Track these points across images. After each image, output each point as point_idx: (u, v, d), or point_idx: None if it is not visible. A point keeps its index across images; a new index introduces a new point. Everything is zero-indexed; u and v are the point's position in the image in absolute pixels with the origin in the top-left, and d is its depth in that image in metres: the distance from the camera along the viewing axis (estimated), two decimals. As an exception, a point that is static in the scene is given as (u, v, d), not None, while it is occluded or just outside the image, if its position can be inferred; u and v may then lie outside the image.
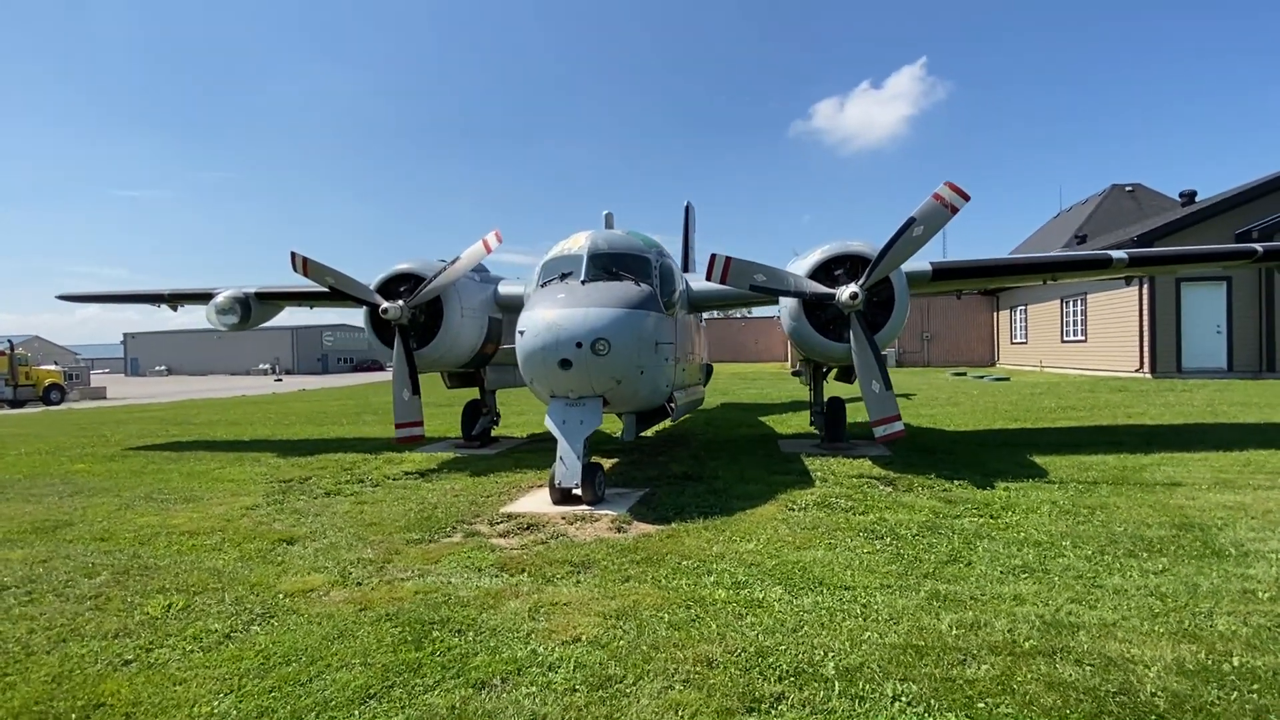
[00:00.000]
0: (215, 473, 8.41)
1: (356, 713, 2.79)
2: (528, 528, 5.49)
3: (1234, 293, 19.08)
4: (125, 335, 72.48)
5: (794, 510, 5.83)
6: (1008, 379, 21.67)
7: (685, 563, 4.51)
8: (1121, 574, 4.19)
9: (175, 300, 11.65)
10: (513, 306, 9.74)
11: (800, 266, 7.96)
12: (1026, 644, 3.25)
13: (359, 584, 4.27)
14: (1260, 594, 3.83)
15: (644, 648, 3.27)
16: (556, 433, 6.19)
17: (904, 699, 2.81)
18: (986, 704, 2.76)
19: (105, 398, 28.50)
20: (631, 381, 6.36)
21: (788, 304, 8.05)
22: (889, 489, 6.56)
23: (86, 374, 38.59)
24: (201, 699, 2.92)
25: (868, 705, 2.77)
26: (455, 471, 7.92)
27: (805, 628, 3.47)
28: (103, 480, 8.09)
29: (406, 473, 7.92)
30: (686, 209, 16.55)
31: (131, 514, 6.28)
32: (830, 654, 3.18)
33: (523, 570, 4.44)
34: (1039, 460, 7.88)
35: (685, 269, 14.68)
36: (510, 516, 5.84)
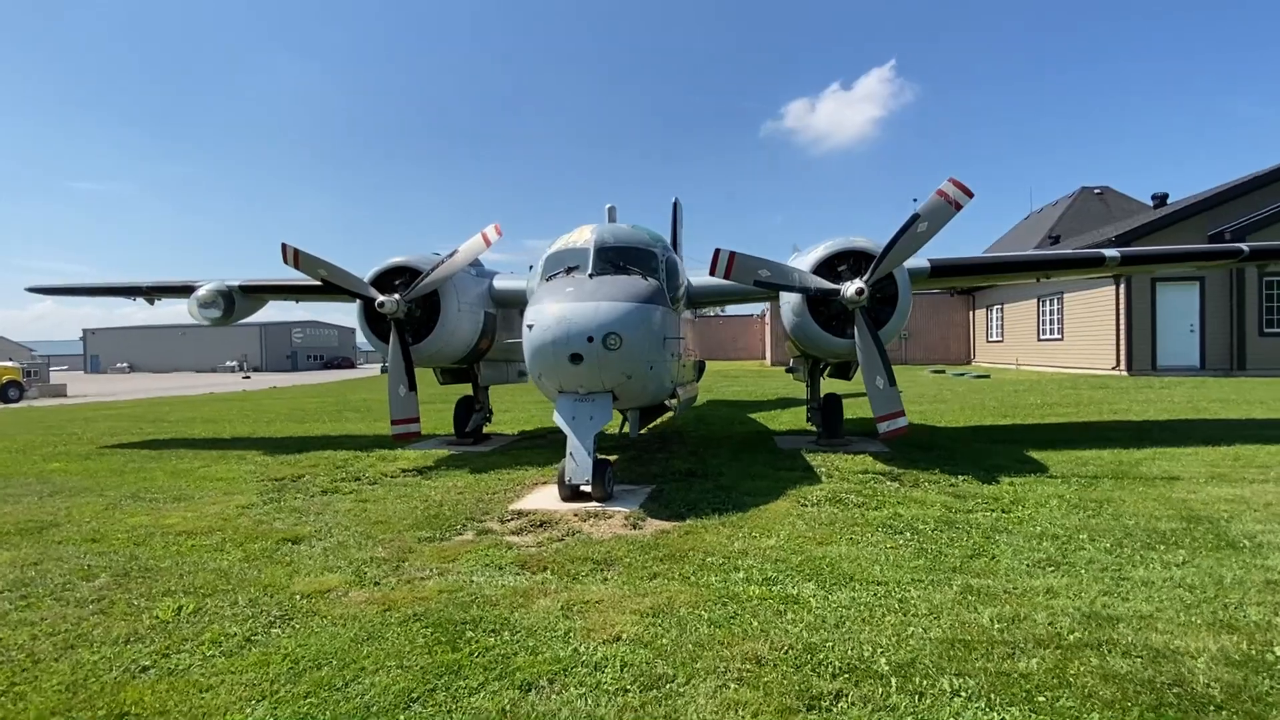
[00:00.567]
0: (201, 471, 8.14)
1: (401, 717, 2.67)
2: (541, 525, 5.38)
3: (1206, 293, 19.62)
4: (85, 331, 70.46)
5: (807, 506, 5.79)
6: (988, 376, 22.01)
7: (710, 559, 4.44)
8: (1145, 566, 4.21)
9: (154, 293, 11.26)
10: (508, 301, 9.60)
11: (803, 262, 7.94)
12: (1071, 637, 3.24)
13: (377, 584, 4.13)
14: (1284, 584, 3.88)
15: (689, 646, 3.20)
16: (566, 428, 6.08)
17: (963, 694, 2.77)
18: (1046, 697, 2.73)
19: (66, 395, 27.56)
20: (641, 377, 6.27)
21: (791, 300, 8.03)
22: (896, 484, 6.57)
23: (45, 371, 37.31)
24: (232, 706, 2.77)
25: (928, 701, 2.72)
26: (454, 469, 7.76)
27: (848, 624, 3.42)
28: (82, 480, 7.78)
29: (403, 470, 7.74)
30: (674, 206, 16.46)
31: (121, 514, 6.03)
32: (879, 650, 3.13)
33: (545, 568, 4.33)
34: (1036, 456, 7.96)
35: (674, 265, 14.59)
36: (520, 513, 5.72)
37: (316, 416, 15.01)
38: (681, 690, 2.82)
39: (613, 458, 8.29)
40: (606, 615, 3.56)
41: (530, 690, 2.85)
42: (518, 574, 4.25)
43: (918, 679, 2.88)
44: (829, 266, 7.79)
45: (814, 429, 9.79)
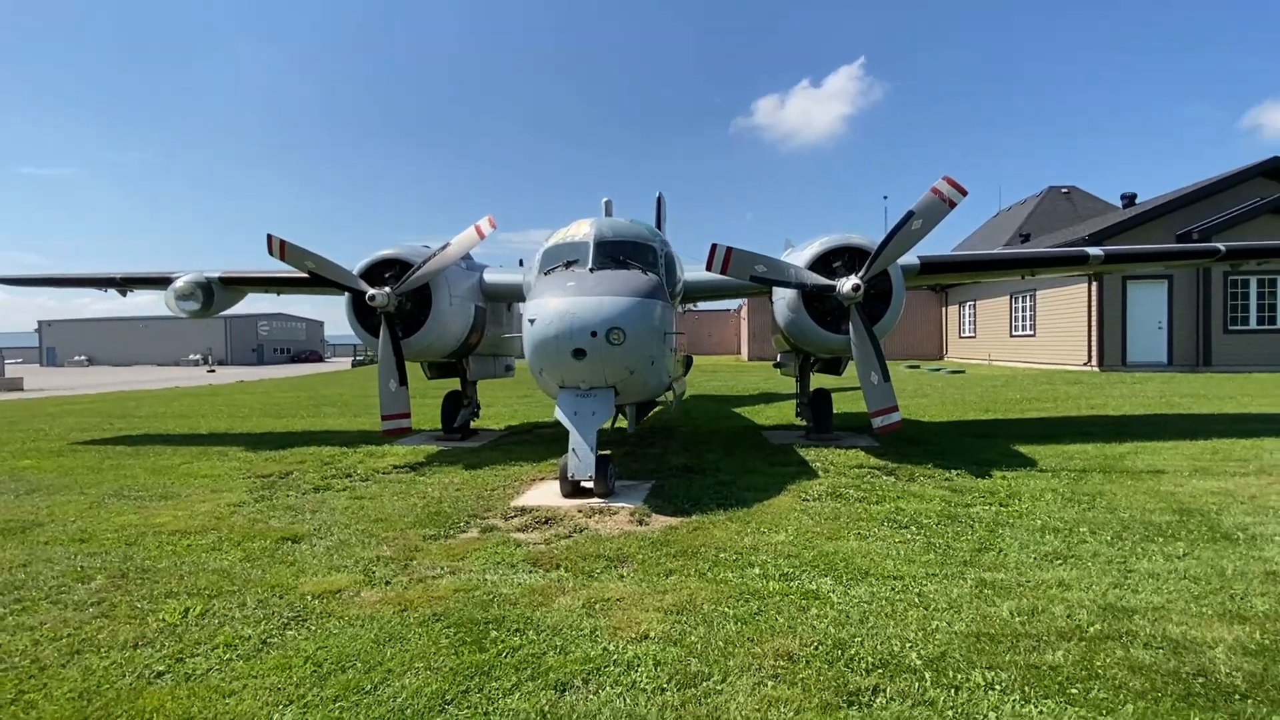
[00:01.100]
0: (183, 468, 7.92)
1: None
2: (545, 521, 5.32)
3: (1174, 291, 20.20)
4: (40, 323, 68.11)
5: (809, 501, 5.82)
6: (963, 372, 22.40)
7: (723, 555, 4.44)
8: (1148, 559, 4.30)
9: (128, 284, 10.89)
10: (498, 295, 9.50)
11: (798, 258, 7.97)
12: (1091, 629, 3.29)
13: (388, 583, 4.05)
14: (1283, 575, 3.99)
15: (719, 643, 3.18)
16: (568, 424, 6.02)
17: (996, 687, 2.79)
18: (1079, 689, 2.77)
19: (23, 389, 26.59)
20: (643, 372, 6.24)
21: (786, 295, 8.05)
22: (892, 479, 6.63)
23: (0, 364, 36.02)
24: (259, 712, 2.69)
25: (964, 695, 2.74)
26: (447, 465, 7.65)
27: (872, 619, 3.43)
28: (57, 477, 7.51)
29: (395, 466, 7.61)
30: (658, 200, 16.44)
31: (106, 513, 5.83)
32: (908, 644, 3.15)
33: (558, 565, 4.29)
34: (1022, 450, 8.11)
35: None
36: (523, 510, 5.65)
37: (293, 411, 14.70)
38: (719, 688, 2.81)
39: (606, 452, 8.25)
40: (629, 613, 3.53)
41: (565, 690, 2.81)
42: (531, 572, 4.20)
43: (950, 672, 2.90)
44: (824, 262, 7.84)
45: (802, 424, 9.85)
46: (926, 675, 2.88)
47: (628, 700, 2.73)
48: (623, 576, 4.10)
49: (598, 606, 3.62)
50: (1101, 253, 9.23)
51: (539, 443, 9.30)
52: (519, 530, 5.14)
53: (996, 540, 4.69)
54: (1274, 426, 9.49)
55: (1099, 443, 8.51)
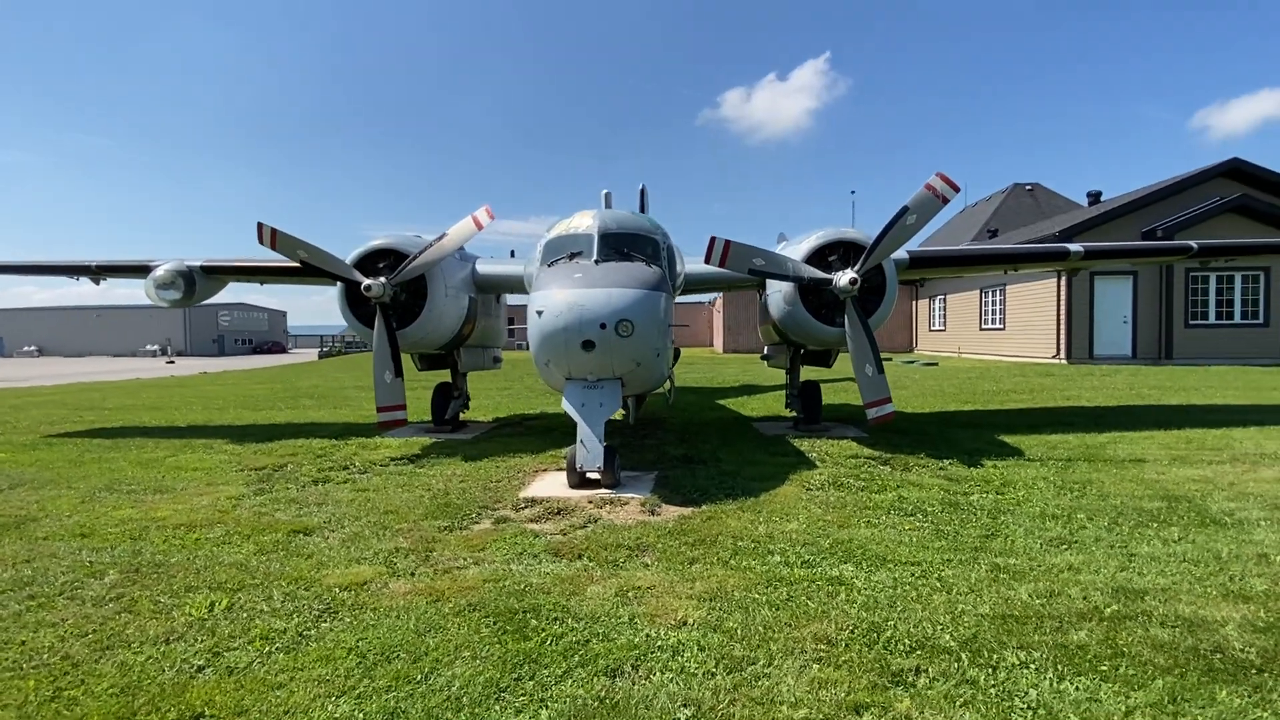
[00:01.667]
0: (170, 461, 7.73)
1: (496, 708, 2.64)
2: (558, 512, 5.34)
3: (1139, 287, 20.90)
4: (-13, 312, 65.39)
5: (812, 490, 5.93)
6: (936, 364, 22.87)
7: (740, 543, 4.51)
8: (1147, 543, 4.49)
9: (103, 272, 10.55)
10: (490, 286, 9.44)
11: (793, 251, 8.07)
12: (1109, 610, 3.44)
13: (413, 574, 4.04)
14: (1274, 557, 4.20)
15: (758, 629, 3.25)
16: (576, 416, 6.03)
17: (1031, 666, 2.91)
18: (1108, 666, 2.90)
19: (-24, 381, 25.61)
20: (649, 364, 6.27)
21: (782, 288, 8.15)
22: (888, 468, 6.78)
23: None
24: (314, 703, 2.68)
25: (1002, 674, 2.85)
26: (444, 457, 7.60)
27: (900, 603, 3.54)
28: (37, 471, 7.28)
29: (392, 458, 7.54)
30: (641, 192, 16.40)
31: (102, 507, 5.68)
32: (940, 627, 3.26)
33: (580, 555, 4.32)
34: (1007, 440, 8.34)
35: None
36: (533, 501, 5.66)
37: (270, 404, 14.41)
38: (767, 671, 2.88)
39: (612, 444, 8.28)
40: (663, 601, 3.58)
41: (617, 676, 2.85)
42: (555, 562, 4.23)
43: (985, 653, 3.01)
44: (819, 256, 7.95)
45: (792, 415, 9.99)
46: (963, 656, 2.99)
47: (680, 684, 2.78)
48: (647, 565, 4.15)
49: (630, 595, 3.67)
50: (1081, 249, 9.52)
51: (531, 434, 9.29)
52: (532, 521, 5.15)
53: (1001, 527, 4.84)
54: (1240, 417, 9.91)
55: (1079, 432, 8.80)
